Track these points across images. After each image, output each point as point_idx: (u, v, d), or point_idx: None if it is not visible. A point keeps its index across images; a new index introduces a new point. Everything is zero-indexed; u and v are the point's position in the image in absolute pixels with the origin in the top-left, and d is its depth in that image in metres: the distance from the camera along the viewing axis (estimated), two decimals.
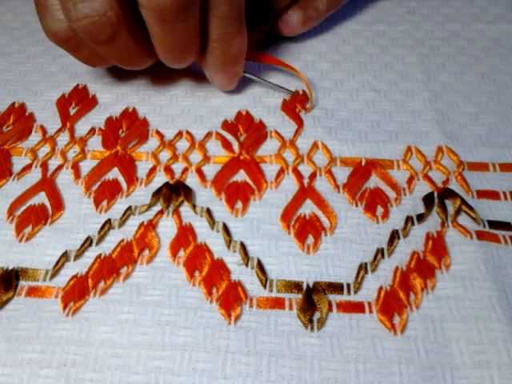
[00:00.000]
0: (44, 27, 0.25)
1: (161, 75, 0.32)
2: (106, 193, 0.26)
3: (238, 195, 0.25)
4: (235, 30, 0.26)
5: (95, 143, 0.28)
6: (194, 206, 0.25)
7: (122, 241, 0.24)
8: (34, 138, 0.29)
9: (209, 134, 0.29)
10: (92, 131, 0.29)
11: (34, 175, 0.27)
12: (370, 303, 0.22)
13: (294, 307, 0.21)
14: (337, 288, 0.22)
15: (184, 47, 0.26)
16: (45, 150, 0.28)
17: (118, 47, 0.25)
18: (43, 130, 0.29)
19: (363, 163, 0.27)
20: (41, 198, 0.26)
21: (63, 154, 0.28)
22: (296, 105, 0.30)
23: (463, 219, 0.24)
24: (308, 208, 0.25)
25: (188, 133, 0.29)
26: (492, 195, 0.25)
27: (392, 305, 0.21)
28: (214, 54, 0.27)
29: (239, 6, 0.26)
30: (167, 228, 0.24)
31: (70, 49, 0.27)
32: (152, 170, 0.27)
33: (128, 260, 0.23)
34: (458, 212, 0.24)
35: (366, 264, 0.23)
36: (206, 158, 0.27)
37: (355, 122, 0.29)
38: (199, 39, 0.26)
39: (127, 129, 0.29)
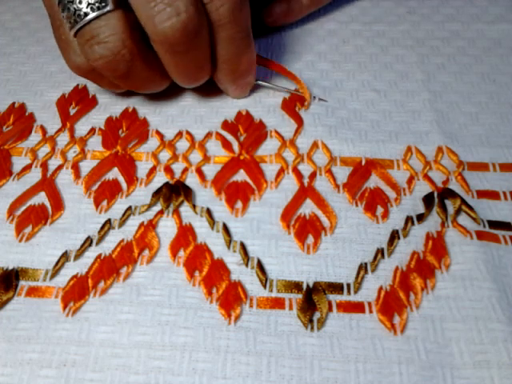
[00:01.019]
0: (67, 61, 0.27)
1: None
2: (106, 193, 0.26)
3: (238, 195, 0.25)
4: (243, 48, 0.27)
5: (95, 143, 0.28)
6: (194, 206, 0.25)
7: (122, 241, 0.24)
8: (34, 137, 0.29)
9: (209, 134, 0.29)
10: (92, 131, 0.29)
11: (34, 175, 0.27)
12: (369, 303, 0.22)
13: (294, 307, 0.21)
14: (337, 288, 0.22)
15: (196, 71, 0.27)
16: (45, 150, 0.28)
17: (133, 78, 0.26)
18: (43, 130, 0.29)
19: (363, 163, 0.27)
20: (41, 198, 0.26)
21: (63, 154, 0.28)
22: (296, 103, 0.30)
23: (463, 219, 0.24)
24: (308, 208, 0.25)
25: (188, 133, 0.29)
26: (492, 195, 0.25)
27: (392, 305, 0.21)
28: (224, 72, 0.28)
29: (246, 24, 0.26)
30: (167, 228, 0.24)
31: (92, 79, 0.28)
32: (152, 170, 0.27)
33: (128, 260, 0.23)
34: (457, 212, 0.24)
35: (366, 264, 0.23)
36: (206, 158, 0.27)
37: (355, 121, 0.29)
38: (210, 60, 0.27)
39: (127, 129, 0.29)
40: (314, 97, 0.30)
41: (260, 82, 0.30)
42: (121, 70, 0.25)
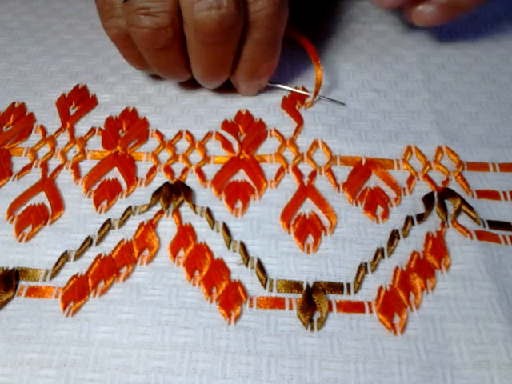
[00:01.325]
0: (104, 21, 0.26)
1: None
2: (105, 193, 0.26)
3: (237, 195, 0.25)
4: (269, 54, 0.27)
5: (95, 143, 0.28)
6: (193, 206, 0.25)
7: (122, 241, 0.24)
8: (34, 137, 0.29)
9: (209, 134, 0.29)
10: (92, 131, 0.29)
11: (34, 175, 0.27)
12: (370, 303, 0.22)
13: (294, 307, 0.21)
14: (337, 288, 0.22)
15: (220, 66, 0.27)
16: (45, 150, 0.28)
17: (163, 57, 0.26)
18: (43, 130, 0.29)
19: (363, 162, 0.27)
20: (41, 198, 0.26)
21: (63, 154, 0.28)
22: (296, 101, 0.30)
23: (463, 219, 0.24)
24: (308, 207, 0.25)
25: (188, 133, 0.29)
26: (492, 195, 0.25)
27: (392, 305, 0.21)
28: (242, 71, 0.28)
29: (279, 32, 0.26)
30: (167, 228, 0.24)
31: (124, 46, 0.27)
32: (152, 170, 0.27)
33: (128, 260, 0.23)
34: (458, 212, 0.24)
35: (365, 264, 0.23)
36: (206, 158, 0.27)
37: (355, 121, 0.29)
38: (234, 57, 0.27)
39: (127, 129, 0.29)
40: (321, 97, 0.30)
41: (271, 84, 0.30)
42: (159, 44, 0.25)
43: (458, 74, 0.32)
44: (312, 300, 0.22)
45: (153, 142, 0.28)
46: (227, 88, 0.30)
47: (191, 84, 0.32)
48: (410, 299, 0.21)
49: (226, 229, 0.24)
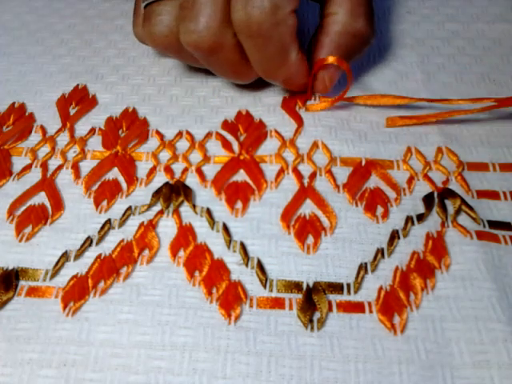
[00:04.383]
0: (147, 34, 0.27)
1: (161, 74, 0.32)
2: (105, 193, 0.26)
3: (238, 195, 0.25)
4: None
5: (95, 143, 0.28)
6: (193, 206, 0.25)
7: (122, 241, 0.24)
8: (34, 137, 0.29)
9: (209, 134, 0.29)
10: (92, 131, 0.29)
11: (34, 175, 0.27)
12: (370, 303, 0.22)
13: (294, 307, 0.21)
14: (337, 288, 0.22)
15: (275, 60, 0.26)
16: (45, 150, 0.28)
17: (219, 60, 0.26)
18: (43, 130, 0.29)
19: (363, 163, 0.27)
20: (41, 198, 0.26)
21: (63, 154, 0.28)
22: (296, 102, 0.30)
23: (463, 219, 0.24)
24: (308, 208, 0.25)
25: (188, 133, 0.29)
26: (492, 195, 0.25)
27: (392, 305, 0.21)
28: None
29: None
30: (167, 228, 0.24)
31: (173, 52, 0.28)
32: (152, 170, 0.27)
33: (128, 260, 0.23)
34: (458, 212, 0.24)
35: (365, 264, 0.23)
36: (206, 158, 0.27)
37: (355, 123, 0.29)
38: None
39: (127, 129, 0.29)
40: None
41: None
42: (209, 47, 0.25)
43: (458, 73, 0.32)
44: (312, 300, 0.22)
45: (153, 142, 0.28)
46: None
47: (191, 84, 0.32)
48: (410, 299, 0.21)
49: (226, 229, 0.24)
